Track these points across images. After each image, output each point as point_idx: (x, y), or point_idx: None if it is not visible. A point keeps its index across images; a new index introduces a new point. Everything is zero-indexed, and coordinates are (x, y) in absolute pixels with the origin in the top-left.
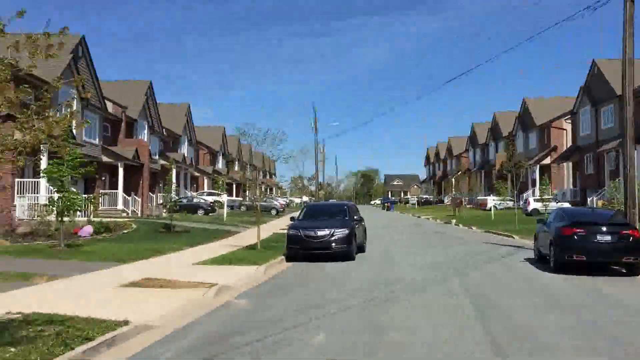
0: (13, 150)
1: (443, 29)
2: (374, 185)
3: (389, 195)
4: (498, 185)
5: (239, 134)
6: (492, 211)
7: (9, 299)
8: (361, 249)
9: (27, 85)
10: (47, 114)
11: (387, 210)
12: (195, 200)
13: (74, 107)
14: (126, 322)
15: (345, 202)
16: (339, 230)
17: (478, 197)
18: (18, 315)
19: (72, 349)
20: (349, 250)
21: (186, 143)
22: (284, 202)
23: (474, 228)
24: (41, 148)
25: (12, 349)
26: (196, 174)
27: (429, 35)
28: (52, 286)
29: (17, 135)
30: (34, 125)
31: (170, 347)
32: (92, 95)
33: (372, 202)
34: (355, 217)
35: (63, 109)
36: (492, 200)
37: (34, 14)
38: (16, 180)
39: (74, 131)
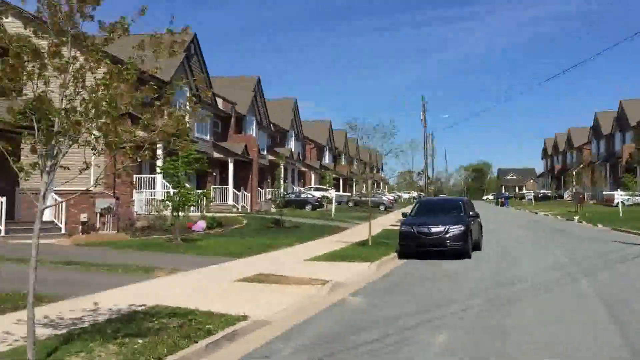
0: (134, 147)
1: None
2: (486, 179)
3: (503, 190)
4: (626, 179)
5: (349, 127)
6: (620, 207)
7: (133, 291)
8: (477, 246)
9: (153, 84)
10: (172, 111)
11: (501, 206)
12: (303, 195)
13: (188, 105)
14: (245, 317)
15: (460, 198)
16: (454, 226)
17: (603, 192)
18: (142, 308)
19: (196, 342)
20: (464, 247)
21: (293, 138)
22: (392, 198)
23: (599, 226)
24: (157, 145)
25: (140, 341)
26: (303, 169)
27: (542, 22)
28: (171, 280)
29: (139, 132)
30: (155, 124)
31: (289, 344)
32: (205, 94)
33: (485, 198)
34: (470, 213)
35: (178, 107)
36: (619, 196)
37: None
38: (134, 176)
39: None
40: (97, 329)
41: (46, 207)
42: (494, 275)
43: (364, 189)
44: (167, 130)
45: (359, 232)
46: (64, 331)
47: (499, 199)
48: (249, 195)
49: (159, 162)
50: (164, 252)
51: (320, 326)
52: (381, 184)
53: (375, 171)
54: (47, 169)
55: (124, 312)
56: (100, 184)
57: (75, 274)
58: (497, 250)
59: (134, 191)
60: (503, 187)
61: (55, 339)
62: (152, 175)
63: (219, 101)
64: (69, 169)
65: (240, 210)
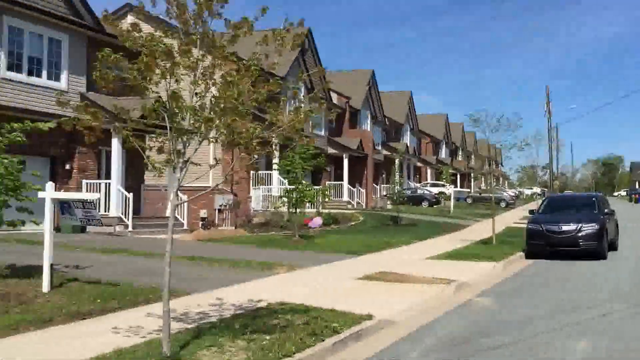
0: (260, 143)
1: None
2: (617, 174)
3: (637, 186)
4: None
5: (471, 120)
6: None
7: (256, 287)
8: (612, 246)
9: (278, 78)
10: (299, 106)
11: (634, 202)
12: (419, 191)
13: (305, 100)
14: (369, 317)
15: (593, 194)
16: (588, 225)
17: None
18: (266, 304)
19: (323, 340)
20: (599, 247)
21: (408, 132)
22: (514, 194)
23: None
24: (273, 141)
25: (267, 337)
26: (419, 164)
27: None
28: (292, 276)
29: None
30: (281, 119)
31: (416, 346)
32: (326, 86)
33: (616, 194)
34: (605, 211)
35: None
36: None
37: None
38: (251, 172)
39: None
40: (224, 324)
41: (179, 204)
42: (634, 278)
43: (483, 184)
44: (295, 126)
45: (480, 230)
46: (193, 325)
47: (632, 195)
48: (364, 191)
49: (276, 159)
50: (282, 249)
51: (448, 328)
52: (501, 179)
53: (494, 166)
54: (179, 165)
55: (248, 307)
56: (227, 180)
57: (199, 268)
58: (635, 251)
59: (251, 188)
60: (637, 182)
61: (186, 332)
62: (269, 172)
63: (333, 96)
64: (200, 165)
65: (355, 206)
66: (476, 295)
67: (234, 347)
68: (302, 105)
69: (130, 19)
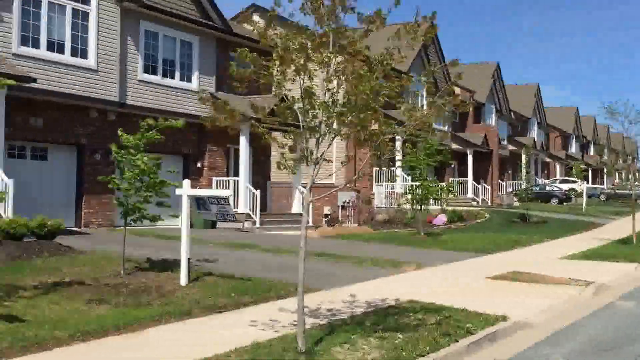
0: (385, 139)
1: None
2: None
3: None
4: None
5: (608, 112)
6: None
7: (384, 284)
8: None
9: (411, 74)
10: (432, 101)
11: None
12: (547, 188)
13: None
14: (504, 318)
15: None
16: None
17: None
18: (396, 302)
19: (456, 341)
20: None
21: (535, 126)
22: None
23: None
24: (397, 137)
25: (400, 336)
26: (547, 159)
27: None
28: (420, 274)
29: (374, 125)
30: (413, 114)
31: (557, 349)
32: (458, 77)
33: None
34: None
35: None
36: None
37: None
38: (374, 169)
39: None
40: (355, 321)
41: (312, 200)
42: None
43: (617, 180)
44: (428, 120)
45: (616, 229)
46: (325, 321)
47: None
48: (489, 188)
49: (398, 155)
50: (407, 246)
51: (590, 332)
52: (637, 174)
53: (630, 160)
54: (313, 161)
55: (378, 305)
56: (359, 177)
57: (326, 265)
58: None
59: (374, 184)
60: None
61: (319, 328)
62: (391, 168)
63: (456, 90)
64: (331, 161)
65: (479, 203)
66: (618, 298)
67: (367, 345)
68: (431, 99)
69: (256, 19)
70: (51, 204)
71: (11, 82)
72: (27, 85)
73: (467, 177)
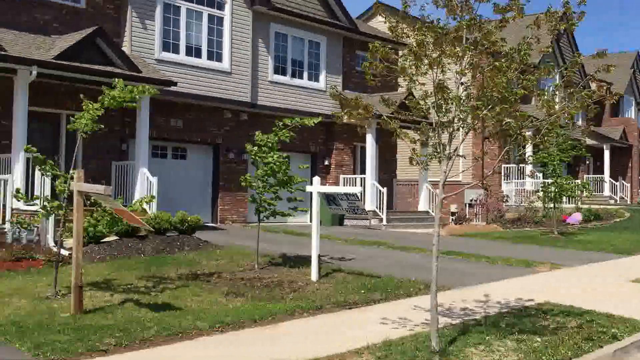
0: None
1: None
2: None
3: None
4: None
5: None
6: None
7: (518, 285)
8: None
9: (551, 63)
10: (574, 91)
11: None
12: None
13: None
14: None
15: None
16: None
17: None
18: (531, 303)
19: (601, 346)
20: None
21: None
22: None
23: None
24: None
25: (538, 339)
26: None
27: None
28: (555, 275)
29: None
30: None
31: None
32: (608, 68)
33: None
34: None
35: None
36: None
37: None
38: (502, 165)
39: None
40: (490, 321)
41: (445, 197)
42: None
43: None
44: (571, 112)
45: None
46: (458, 321)
47: None
48: (628, 185)
49: (528, 151)
50: (540, 246)
51: None
52: None
53: None
54: (446, 156)
55: (512, 306)
56: (493, 173)
57: (455, 263)
58: None
59: (502, 182)
60: None
61: (452, 328)
62: (521, 165)
63: (591, 84)
64: (465, 157)
65: (617, 202)
66: None
67: (502, 347)
68: (569, 91)
69: (380, 18)
70: (189, 200)
71: (155, 91)
72: (168, 88)
73: (603, 174)
